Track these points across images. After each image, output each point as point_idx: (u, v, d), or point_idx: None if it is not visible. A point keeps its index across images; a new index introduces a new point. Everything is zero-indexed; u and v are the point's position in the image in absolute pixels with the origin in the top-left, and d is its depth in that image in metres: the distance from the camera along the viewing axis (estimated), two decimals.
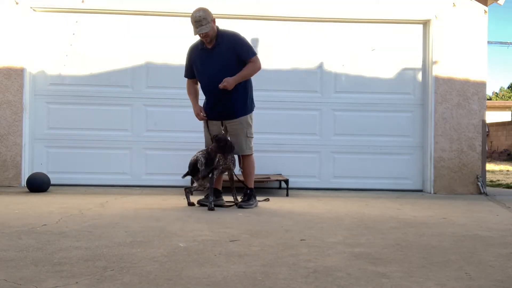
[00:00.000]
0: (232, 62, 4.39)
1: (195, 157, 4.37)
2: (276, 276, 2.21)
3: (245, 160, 4.61)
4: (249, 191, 4.57)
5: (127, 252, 2.63)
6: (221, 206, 4.53)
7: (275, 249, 2.77)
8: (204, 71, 4.47)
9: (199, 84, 4.67)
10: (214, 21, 4.37)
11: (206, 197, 4.46)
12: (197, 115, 4.54)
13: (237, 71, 4.37)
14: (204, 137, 4.69)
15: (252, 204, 4.50)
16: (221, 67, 4.37)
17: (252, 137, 4.62)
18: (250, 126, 4.59)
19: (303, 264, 2.43)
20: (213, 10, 6.16)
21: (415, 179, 6.36)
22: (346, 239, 3.10)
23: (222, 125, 4.54)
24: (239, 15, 6.15)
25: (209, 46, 4.42)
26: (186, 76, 4.67)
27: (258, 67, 4.46)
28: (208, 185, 4.35)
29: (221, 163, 4.42)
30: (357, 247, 2.86)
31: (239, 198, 4.60)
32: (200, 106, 4.55)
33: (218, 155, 4.37)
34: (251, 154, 4.62)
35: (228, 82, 4.31)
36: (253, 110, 4.63)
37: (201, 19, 4.26)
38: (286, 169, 6.15)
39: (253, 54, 4.46)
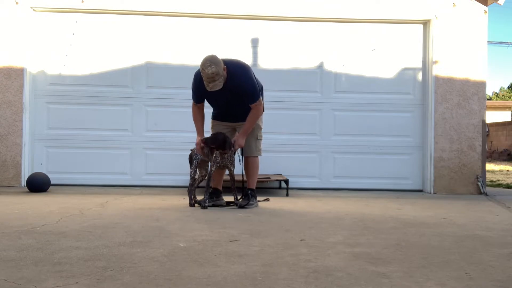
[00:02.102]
0: (241, 97, 4.37)
1: (191, 151, 4.59)
2: (276, 276, 2.21)
3: (251, 161, 4.60)
4: (250, 191, 4.57)
5: (127, 252, 2.63)
6: (221, 206, 4.53)
7: (275, 249, 2.77)
8: (217, 101, 4.47)
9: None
10: (225, 69, 4.18)
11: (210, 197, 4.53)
12: (198, 144, 4.39)
13: (243, 102, 4.41)
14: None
15: (252, 204, 4.50)
16: (233, 99, 4.37)
17: (261, 139, 4.64)
18: (260, 128, 4.63)
19: (303, 264, 2.43)
20: (213, 10, 6.23)
21: (415, 179, 6.36)
22: (346, 239, 3.10)
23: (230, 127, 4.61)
24: (239, 15, 6.15)
25: None
26: (196, 101, 4.48)
27: (260, 113, 4.46)
28: (204, 172, 4.55)
29: (218, 160, 4.40)
30: (357, 247, 2.86)
31: (240, 198, 4.60)
32: (203, 139, 4.37)
33: (215, 151, 4.39)
34: (257, 156, 4.62)
35: (241, 143, 4.40)
36: (263, 113, 4.62)
37: (213, 75, 4.07)
38: (286, 169, 6.15)
39: (257, 98, 4.37)
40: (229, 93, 4.28)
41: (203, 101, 4.50)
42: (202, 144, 4.32)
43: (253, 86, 4.34)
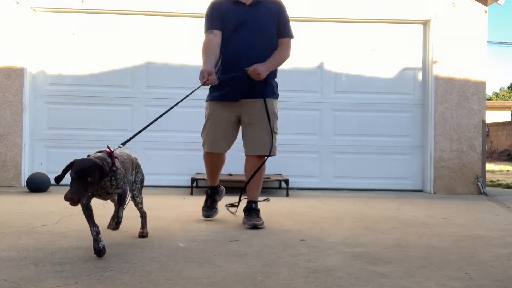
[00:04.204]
0: (270, 30, 3.49)
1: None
2: (276, 276, 2.21)
3: (261, 165, 3.51)
4: (255, 204, 3.54)
5: (127, 252, 2.63)
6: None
7: (275, 249, 2.77)
8: (236, 29, 3.40)
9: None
10: None
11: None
12: (204, 73, 3.19)
13: (271, 44, 3.50)
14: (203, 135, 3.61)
15: (262, 222, 3.44)
16: (257, 31, 3.42)
17: (277, 134, 3.56)
18: (277, 118, 3.53)
19: (303, 264, 2.43)
20: None
21: (415, 179, 6.36)
22: (346, 239, 3.10)
23: (235, 112, 3.48)
24: None
25: (246, 1, 3.44)
26: (212, 27, 3.39)
27: (288, 55, 3.56)
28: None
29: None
30: (357, 247, 2.85)
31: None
32: (214, 70, 3.28)
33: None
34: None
35: (261, 70, 3.28)
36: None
37: None
38: (286, 169, 6.15)
39: (292, 35, 3.61)
40: (255, 19, 3.43)
41: (219, 28, 3.41)
42: (213, 77, 3.21)
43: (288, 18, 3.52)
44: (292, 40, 3.68)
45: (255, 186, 3.57)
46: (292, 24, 6.20)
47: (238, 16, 3.42)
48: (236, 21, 3.41)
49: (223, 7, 3.45)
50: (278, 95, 3.59)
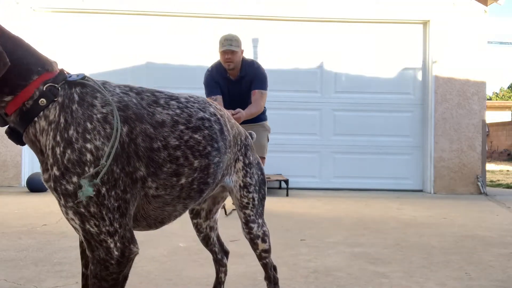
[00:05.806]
0: (250, 96, 4.29)
1: None
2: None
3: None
4: None
5: None
6: None
7: (275, 249, 2.76)
8: (228, 100, 4.25)
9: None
10: (242, 52, 4.28)
11: None
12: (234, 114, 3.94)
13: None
14: None
15: None
16: (243, 100, 4.23)
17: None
18: (269, 131, 4.51)
19: (303, 264, 2.43)
20: (216, 10, 6.23)
21: (415, 179, 6.36)
22: (346, 239, 3.10)
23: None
24: (240, 16, 6.15)
25: (233, 77, 4.26)
26: (213, 93, 4.21)
27: (262, 107, 4.26)
28: None
29: None
30: (357, 247, 2.86)
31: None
32: None
33: None
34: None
35: (242, 116, 3.97)
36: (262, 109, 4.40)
37: (232, 39, 4.19)
38: (286, 169, 6.15)
39: (265, 88, 4.31)
40: (241, 91, 4.23)
41: (220, 93, 4.25)
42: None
43: (265, 76, 4.34)
44: (266, 90, 4.34)
45: None
46: (293, 25, 6.30)
47: (229, 89, 4.28)
48: (228, 93, 4.28)
49: (216, 79, 4.28)
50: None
